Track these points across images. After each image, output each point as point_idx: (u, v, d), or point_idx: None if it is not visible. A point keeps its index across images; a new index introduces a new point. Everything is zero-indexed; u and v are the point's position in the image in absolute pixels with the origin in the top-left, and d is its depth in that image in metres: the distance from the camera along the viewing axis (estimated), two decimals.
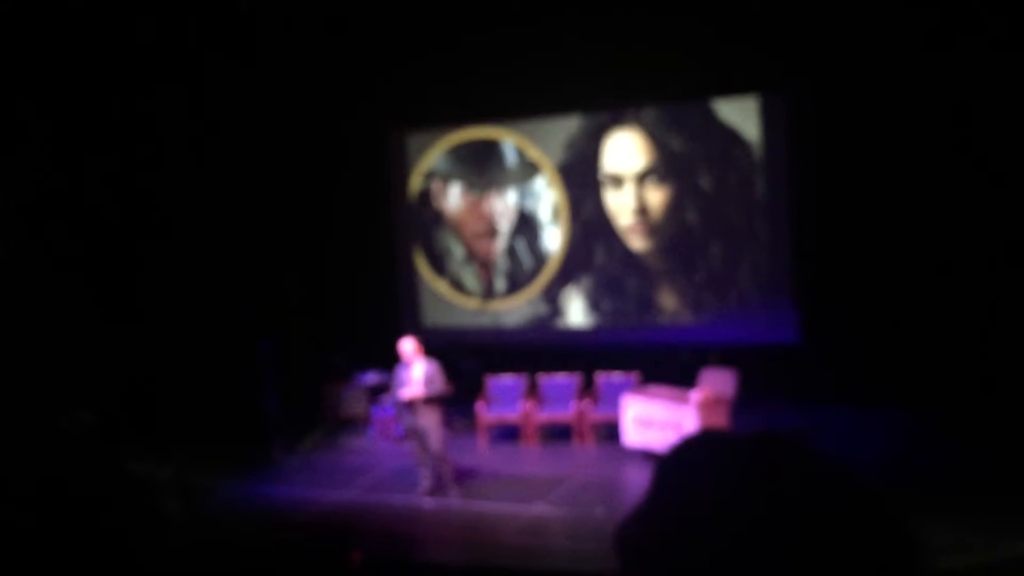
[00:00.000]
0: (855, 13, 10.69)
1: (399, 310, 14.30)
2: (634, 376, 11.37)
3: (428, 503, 9.53)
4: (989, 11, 10.04)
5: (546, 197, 13.31)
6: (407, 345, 9.49)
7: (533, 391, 11.70)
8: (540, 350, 12.97)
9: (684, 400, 10.09)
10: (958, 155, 10.61)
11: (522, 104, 12.97)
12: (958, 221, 10.70)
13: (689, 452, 1.09)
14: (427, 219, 14.14)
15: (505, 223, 13.64)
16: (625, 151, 12.70)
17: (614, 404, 10.91)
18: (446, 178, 13.95)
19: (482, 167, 13.67)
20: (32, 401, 9.85)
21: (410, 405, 9.40)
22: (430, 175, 14.04)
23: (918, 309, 10.84)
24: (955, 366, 10.38)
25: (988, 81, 10.27)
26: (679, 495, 1.04)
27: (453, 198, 13.96)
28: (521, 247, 13.58)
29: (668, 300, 12.72)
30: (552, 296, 13.44)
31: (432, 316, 14.17)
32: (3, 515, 1.56)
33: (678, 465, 1.08)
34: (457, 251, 14.01)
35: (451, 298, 14.07)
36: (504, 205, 13.61)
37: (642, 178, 12.63)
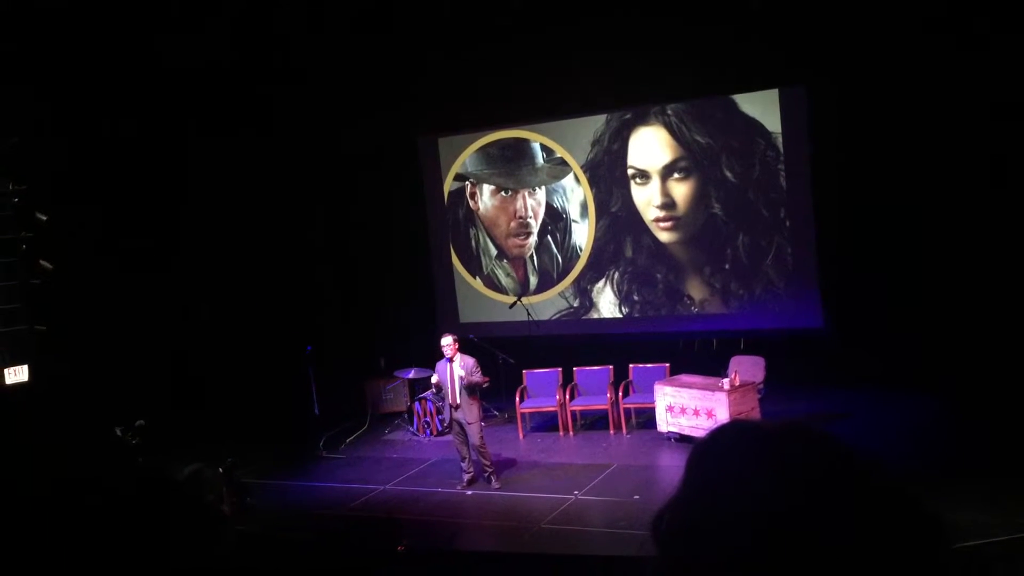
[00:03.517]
0: (869, 6, 10.81)
1: (437, 308, 14.68)
2: (666, 365, 11.58)
3: (469, 493, 9.83)
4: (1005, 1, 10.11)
5: (575, 193, 13.59)
6: (446, 341, 9.80)
7: (568, 382, 11.96)
8: (574, 342, 13.25)
9: (715, 387, 10.27)
10: (976, 140, 10.69)
11: (549, 106, 13.23)
12: (979, 207, 10.78)
13: (720, 442, 1.11)
14: (461, 219, 14.49)
15: (536, 220, 13.94)
16: (650, 147, 12.93)
17: (647, 393, 11.14)
18: (478, 179, 14.28)
19: (512, 167, 13.99)
20: (93, 408, 10.32)
21: (450, 398, 9.73)
22: (463, 176, 14.38)
23: (941, 293, 10.93)
24: (979, 350, 10.45)
25: (1006, 70, 10.33)
26: (711, 483, 1.07)
27: (485, 198, 14.29)
28: (552, 243, 13.87)
29: (696, 290, 12.95)
30: (583, 289, 13.72)
31: (469, 313, 14.51)
32: (63, 515, 1.68)
33: (709, 455, 1.10)
34: (491, 249, 14.35)
35: (486, 295, 14.40)
36: (535, 203, 13.92)
37: (667, 172, 12.86)
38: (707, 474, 1.09)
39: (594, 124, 13.30)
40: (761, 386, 10.72)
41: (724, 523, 1.01)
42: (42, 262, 10.91)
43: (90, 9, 11.16)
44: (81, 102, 11.86)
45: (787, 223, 12.26)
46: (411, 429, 12.39)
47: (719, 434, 1.13)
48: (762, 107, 12.18)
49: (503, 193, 14.15)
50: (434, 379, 9.88)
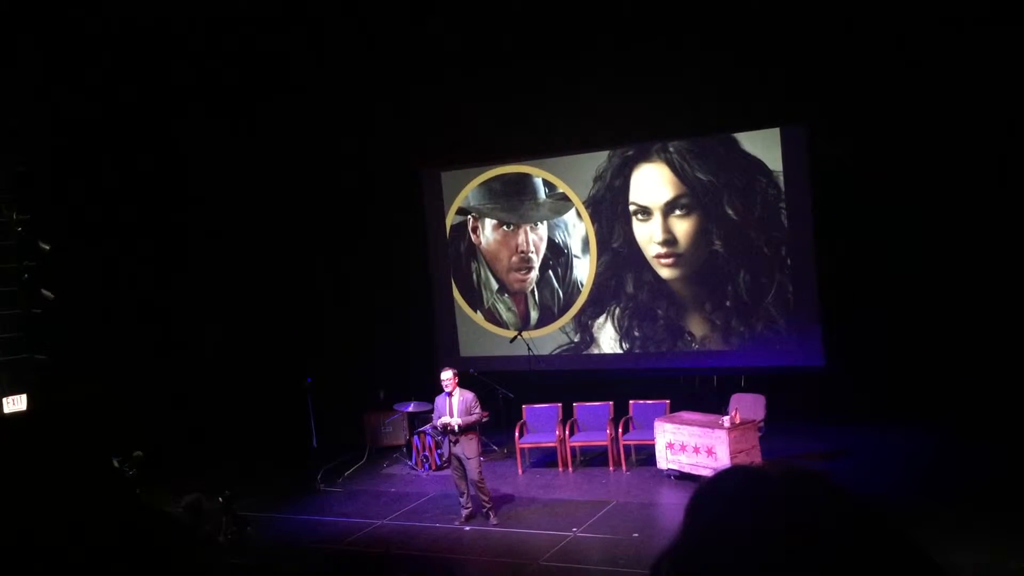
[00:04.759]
0: (870, 46, 10.91)
1: (437, 341, 14.67)
2: (666, 402, 11.55)
3: (467, 529, 9.76)
4: (1003, 39, 10.19)
5: (577, 229, 13.63)
6: (446, 375, 9.78)
7: (568, 418, 11.91)
8: (574, 378, 13.22)
9: (715, 425, 10.23)
10: (977, 177, 10.74)
11: (552, 141, 13.32)
12: (980, 243, 10.81)
13: (721, 487, 1.11)
14: (463, 253, 14.53)
15: (538, 255, 13.98)
16: (652, 183, 12.99)
17: (647, 429, 11.08)
18: (480, 213, 14.33)
19: (515, 202, 14.05)
20: (93, 440, 10.30)
21: (449, 433, 9.69)
22: (465, 211, 14.44)
23: (943, 332, 10.93)
24: (981, 389, 10.42)
25: (1008, 108, 10.40)
26: (713, 528, 1.06)
27: (487, 232, 14.34)
28: (553, 278, 13.89)
29: (697, 327, 12.94)
30: (584, 325, 13.72)
31: (469, 346, 14.50)
32: (64, 547, 1.66)
33: (711, 499, 1.10)
34: (492, 283, 14.37)
35: (487, 329, 14.40)
36: (536, 238, 13.96)
37: (669, 209, 12.91)
38: (708, 519, 1.08)
39: (596, 160, 13.36)
40: (762, 424, 10.68)
41: (725, 568, 1.00)
42: (44, 291, 10.92)
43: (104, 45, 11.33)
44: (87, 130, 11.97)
45: (788, 261, 12.28)
46: (410, 463, 12.33)
47: (720, 479, 1.13)
48: (763, 146, 12.25)
49: (505, 227, 14.20)
50: (434, 416, 9.81)
